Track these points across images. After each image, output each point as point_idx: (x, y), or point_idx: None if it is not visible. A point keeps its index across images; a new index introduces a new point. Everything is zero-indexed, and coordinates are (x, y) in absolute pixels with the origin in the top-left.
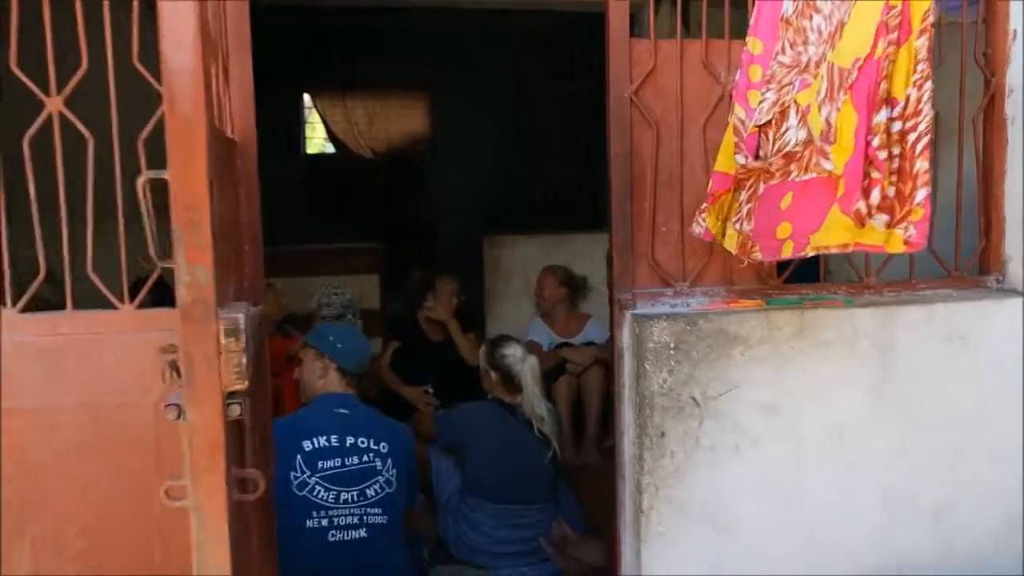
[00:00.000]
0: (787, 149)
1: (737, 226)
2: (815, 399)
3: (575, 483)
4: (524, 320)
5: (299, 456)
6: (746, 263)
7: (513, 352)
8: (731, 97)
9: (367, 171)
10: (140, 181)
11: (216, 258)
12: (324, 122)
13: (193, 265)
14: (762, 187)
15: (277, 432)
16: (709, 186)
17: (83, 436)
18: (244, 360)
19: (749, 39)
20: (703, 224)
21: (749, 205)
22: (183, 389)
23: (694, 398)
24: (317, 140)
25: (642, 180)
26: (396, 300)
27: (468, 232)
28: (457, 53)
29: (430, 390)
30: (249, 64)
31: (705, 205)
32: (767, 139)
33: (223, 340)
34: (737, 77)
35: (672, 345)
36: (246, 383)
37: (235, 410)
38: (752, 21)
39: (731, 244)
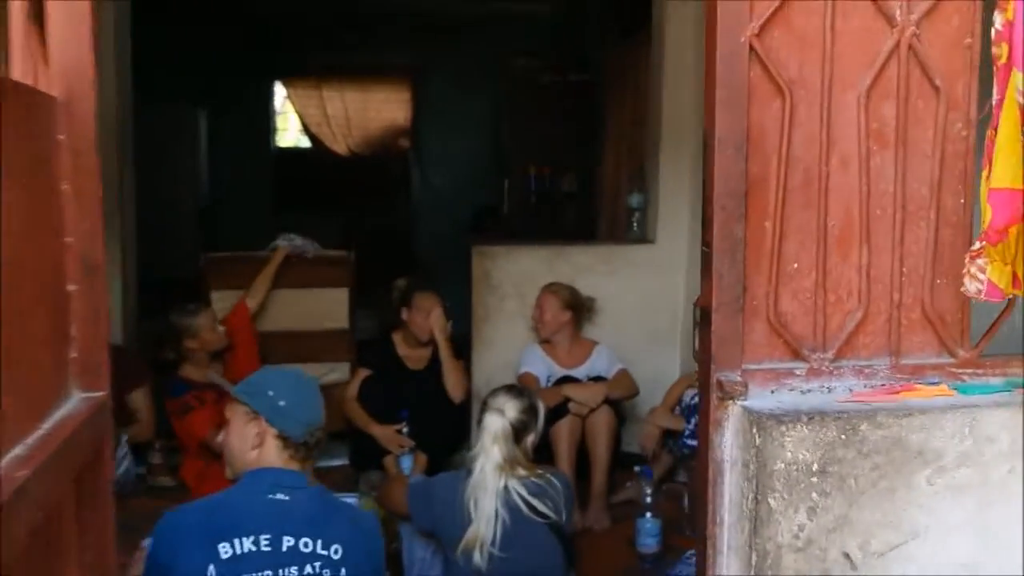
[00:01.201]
0: None
1: None
2: None
3: (577, 555)
4: (519, 345)
5: (212, 567)
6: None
7: (499, 405)
8: (1007, 61)
9: (342, 169)
10: None
11: None
12: (298, 114)
13: None
14: None
15: (183, 527)
16: (987, 216)
17: None
18: None
19: None
20: (982, 277)
21: None
22: None
23: (848, 555)
24: (291, 133)
25: (762, 185)
26: (369, 319)
27: (454, 240)
28: (448, 37)
29: (404, 430)
30: None
31: (982, 246)
32: None
33: None
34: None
35: (816, 467)
36: None
37: None
38: None
39: None
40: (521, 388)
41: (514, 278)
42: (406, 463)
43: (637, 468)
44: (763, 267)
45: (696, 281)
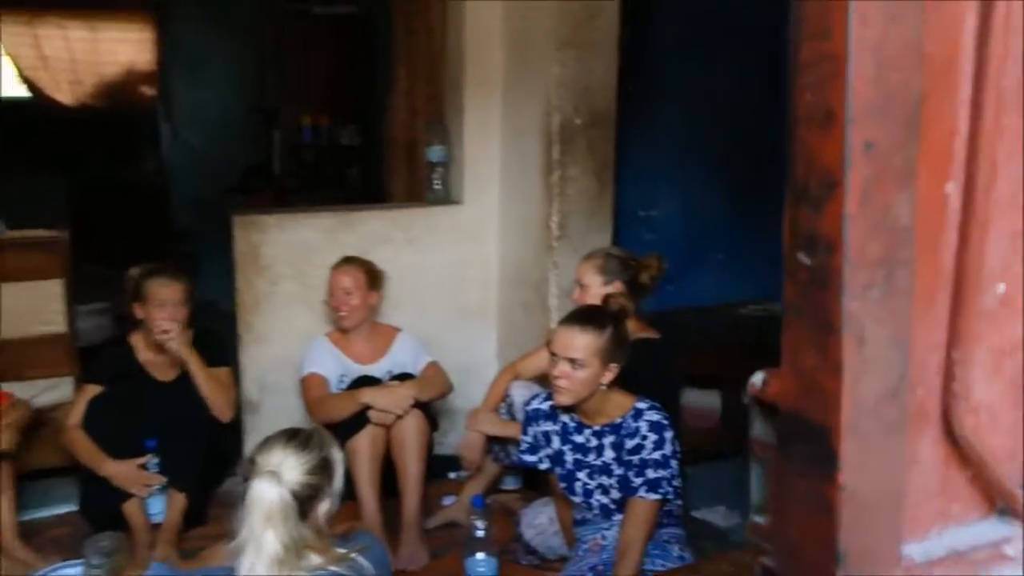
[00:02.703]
0: None
1: None
2: None
3: None
4: (300, 339)
5: None
6: None
7: (273, 465)
8: None
9: (70, 124)
10: None
11: None
12: (9, 56)
13: None
14: None
15: None
16: None
17: None
18: None
19: None
20: None
21: None
22: None
23: None
24: (6, 80)
25: (939, 158)
26: (101, 317)
27: (210, 210)
28: None
29: (151, 463)
30: None
31: None
32: None
33: None
34: None
35: None
36: None
37: None
38: None
39: None
40: (307, 434)
41: (290, 254)
42: (155, 507)
43: (452, 475)
44: (935, 307)
45: (513, 247)
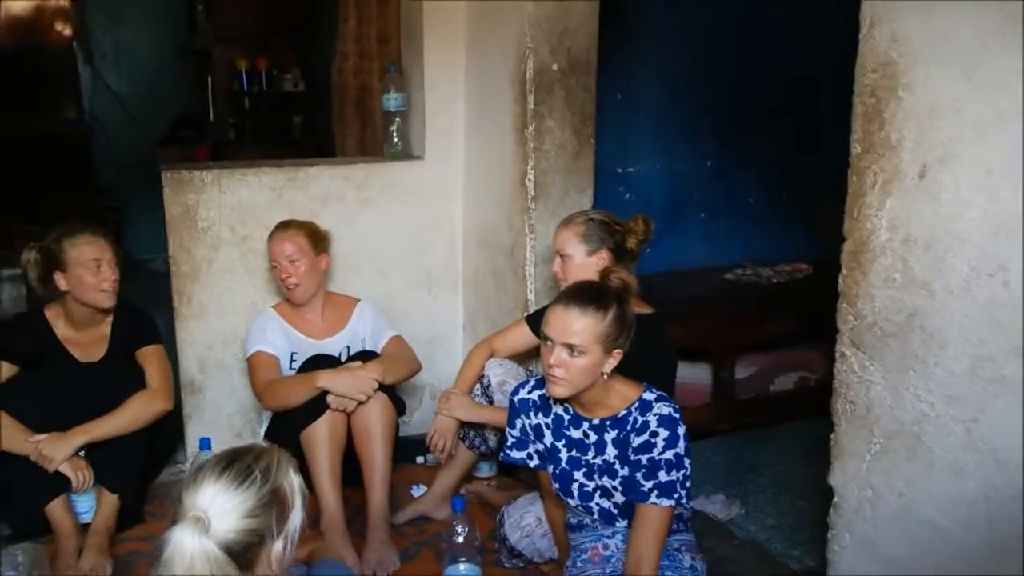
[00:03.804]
0: None
1: None
2: None
3: None
4: (245, 312)
5: None
6: None
7: (198, 505)
8: None
9: None
10: None
11: None
12: None
13: None
14: None
15: None
16: None
17: None
18: None
19: None
20: None
21: None
22: None
23: None
24: None
25: None
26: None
27: (137, 164)
28: None
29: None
30: None
31: None
32: None
33: None
34: None
35: None
36: None
37: None
38: None
39: None
40: (248, 463)
41: (230, 215)
42: (83, 505)
43: (420, 459)
44: None
45: (481, 208)
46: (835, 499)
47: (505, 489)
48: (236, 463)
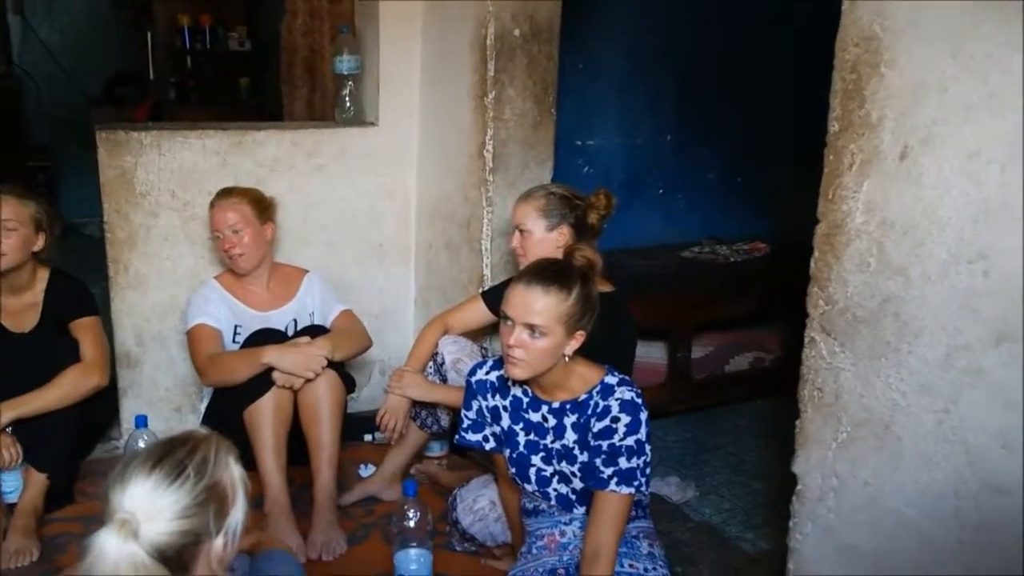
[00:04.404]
0: None
1: None
2: None
3: None
4: (186, 282)
5: None
6: None
7: (124, 506)
8: None
9: None
10: None
11: None
12: None
13: None
14: None
15: None
16: None
17: None
18: None
19: None
20: None
21: None
22: None
23: None
24: None
25: None
26: None
27: (71, 122)
28: None
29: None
30: None
31: None
32: None
33: None
34: None
35: None
36: None
37: None
38: None
39: None
40: (180, 457)
41: (171, 180)
42: (9, 483)
43: (368, 437)
44: None
45: (436, 178)
46: (798, 487)
47: (456, 469)
48: (167, 458)
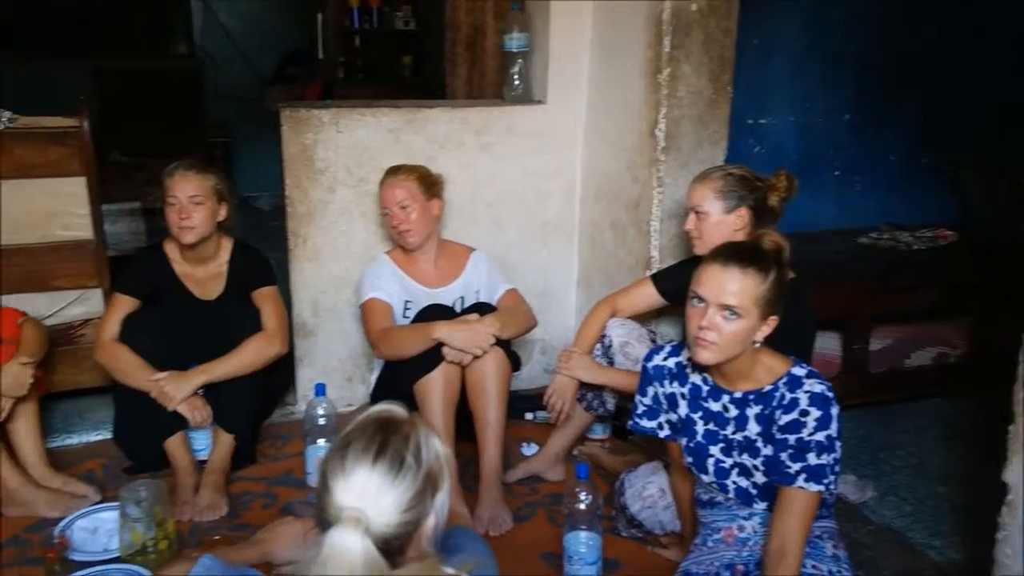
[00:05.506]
0: None
1: None
2: None
3: None
4: (359, 256)
5: None
6: None
7: (353, 503)
8: None
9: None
10: None
11: None
12: None
13: None
14: None
15: None
16: None
17: None
18: None
19: None
20: None
21: None
22: None
23: None
24: None
25: None
26: (131, 221)
27: (246, 100)
28: None
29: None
30: None
31: None
32: None
33: None
34: None
35: None
36: None
37: None
38: None
39: None
40: (398, 445)
41: (347, 156)
42: (200, 442)
43: (530, 415)
44: None
45: (603, 157)
46: (1008, 496)
47: (618, 452)
48: (388, 449)
